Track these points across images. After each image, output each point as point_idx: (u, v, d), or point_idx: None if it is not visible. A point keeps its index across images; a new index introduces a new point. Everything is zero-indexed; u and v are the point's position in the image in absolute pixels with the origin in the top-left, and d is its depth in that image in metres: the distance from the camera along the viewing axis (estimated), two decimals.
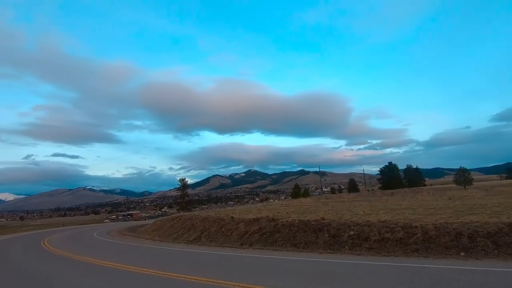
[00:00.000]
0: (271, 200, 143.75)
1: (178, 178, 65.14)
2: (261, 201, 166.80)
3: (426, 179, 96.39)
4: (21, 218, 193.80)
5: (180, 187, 64.61)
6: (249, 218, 15.31)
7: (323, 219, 12.26)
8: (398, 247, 9.08)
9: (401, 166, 79.11)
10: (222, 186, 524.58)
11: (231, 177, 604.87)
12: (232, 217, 16.56)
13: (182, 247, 14.22)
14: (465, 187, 48.64)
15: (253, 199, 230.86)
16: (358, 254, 9.12)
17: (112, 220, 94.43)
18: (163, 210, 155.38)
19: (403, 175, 77.37)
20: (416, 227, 9.51)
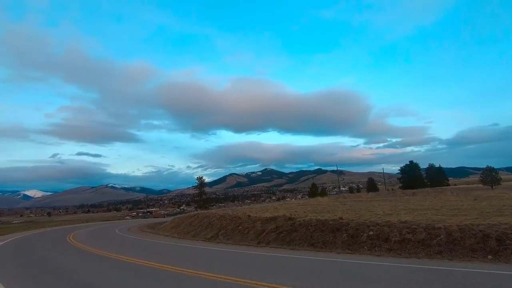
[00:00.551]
0: (288, 199, 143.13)
1: (196, 177, 66.14)
2: (278, 200, 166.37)
3: (449, 178, 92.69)
4: (49, 214, 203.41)
5: (197, 185, 65.52)
6: (266, 217, 15.32)
7: (341, 218, 12.08)
8: (420, 248, 8.80)
9: (423, 165, 76.62)
10: (239, 184, 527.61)
11: (247, 175, 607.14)
12: (249, 216, 16.63)
13: (200, 244, 14.44)
14: (492, 187, 46.44)
15: (270, 197, 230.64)
16: (378, 255, 8.92)
17: (133, 217, 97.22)
18: (181, 208, 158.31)
19: (425, 175, 74.82)
20: (440, 228, 9.18)
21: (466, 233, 8.62)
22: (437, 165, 78.60)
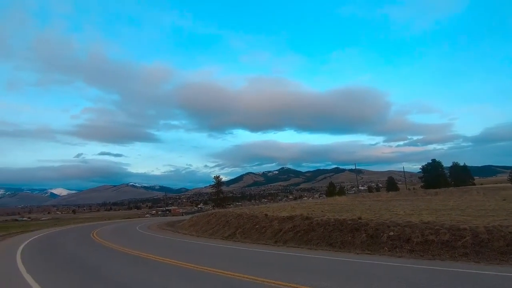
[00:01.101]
0: (305, 198, 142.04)
1: (213, 176, 67.01)
2: (295, 199, 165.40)
3: (475, 177, 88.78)
4: (73, 212, 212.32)
5: (214, 184, 66.35)
6: (283, 216, 15.27)
7: (360, 218, 11.84)
8: (444, 250, 8.47)
9: (446, 163, 73.60)
10: (256, 183, 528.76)
11: (264, 174, 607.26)
12: (266, 215, 16.63)
13: (217, 242, 14.59)
14: None
15: (287, 197, 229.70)
16: (399, 256, 8.66)
17: (152, 215, 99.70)
18: (199, 206, 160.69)
19: (448, 173, 71.96)
20: (465, 229, 8.80)
21: (495, 235, 8.21)
22: (461, 164, 75.45)
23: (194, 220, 25.75)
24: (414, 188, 72.09)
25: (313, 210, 17.14)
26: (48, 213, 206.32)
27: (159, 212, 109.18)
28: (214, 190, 68.08)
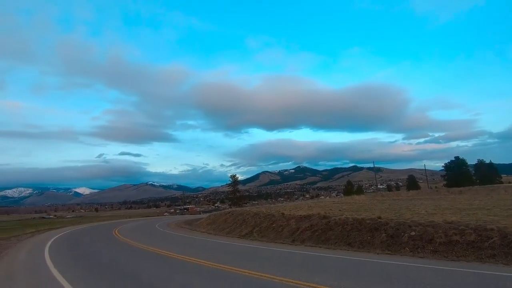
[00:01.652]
0: (322, 197, 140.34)
1: (229, 175, 67.53)
2: (312, 198, 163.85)
3: (502, 175, 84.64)
4: (96, 210, 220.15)
5: (231, 183, 66.80)
6: (300, 215, 15.16)
7: (379, 217, 11.57)
8: (470, 251, 8.12)
9: (471, 161, 70.48)
10: (272, 182, 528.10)
11: (280, 173, 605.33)
12: (283, 214, 16.58)
13: (235, 241, 14.69)
14: None
15: (303, 195, 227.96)
16: (421, 257, 8.39)
17: (171, 213, 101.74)
18: (216, 205, 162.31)
19: (473, 171, 68.95)
20: (492, 229, 8.41)
21: None
22: (487, 161, 72.12)
23: (212, 218, 26.05)
24: (436, 187, 69.69)
25: (330, 209, 16.92)
26: (73, 211, 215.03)
27: (177, 211, 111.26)
28: (230, 189, 68.60)
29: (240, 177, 75.01)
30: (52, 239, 18.04)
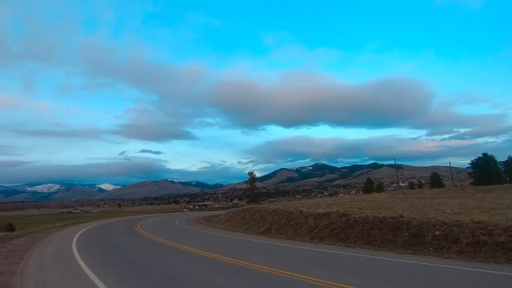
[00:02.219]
0: (341, 194, 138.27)
1: (247, 172, 67.77)
2: (330, 195, 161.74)
3: None
4: (119, 205, 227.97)
5: (248, 180, 67.12)
6: (319, 213, 15.03)
7: (401, 216, 11.26)
8: (500, 252, 7.74)
9: (500, 157, 66.90)
10: (289, 179, 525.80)
11: (298, 170, 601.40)
12: (301, 211, 16.49)
13: (253, 237, 14.79)
14: None
15: (321, 193, 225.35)
16: (447, 258, 8.09)
17: (190, 209, 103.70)
18: (234, 202, 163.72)
19: (503, 169, 65.44)
20: None
21: None
22: None
23: (230, 215, 26.33)
24: (462, 185, 66.83)
25: (350, 207, 16.64)
26: (97, 206, 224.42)
27: (196, 207, 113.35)
28: (248, 186, 68.91)
29: (258, 174, 75.26)
30: (79, 233, 18.89)
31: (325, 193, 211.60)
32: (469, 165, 68.00)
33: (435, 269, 6.89)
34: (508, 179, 60.56)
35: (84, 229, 21.95)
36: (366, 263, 7.87)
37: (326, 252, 9.77)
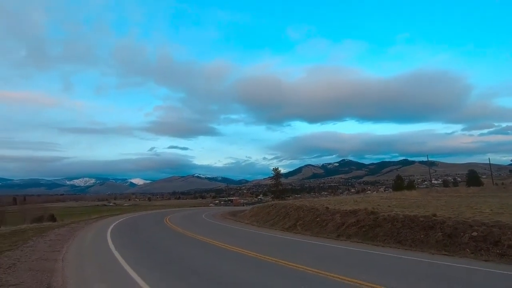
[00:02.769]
0: (369, 192, 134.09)
1: (272, 168, 67.81)
2: (357, 192, 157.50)
3: None
4: (149, 199, 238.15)
5: (273, 176, 67.19)
6: (345, 210, 14.70)
7: (434, 215, 10.72)
8: None
9: None
10: (315, 176, 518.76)
11: (323, 167, 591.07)
12: (327, 208, 16.23)
13: (278, 233, 14.80)
14: None
15: (348, 190, 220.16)
16: (486, 260, 7.59)
17: (216, 204, 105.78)
18: (259, 197, 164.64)
19: None
20: None
21: None
22: None
23: (255, 210, 26.52)
24: (503, 183, 62.25)
25: (378, 205, 16.11)
26: (129, 200, 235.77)
27: (222, 202, 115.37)
28: (273, 182, 69.03)
29: (283, 170, 75.08)
30: (113, 224, 19.96)
31: (352, 190, 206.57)
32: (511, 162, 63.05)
33: (473, 272, 6.50)
34: None
35: (118, 221, 23.15)
36: (396, 263, 7.60)
37: (353, 250, 9.56)
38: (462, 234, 9.05)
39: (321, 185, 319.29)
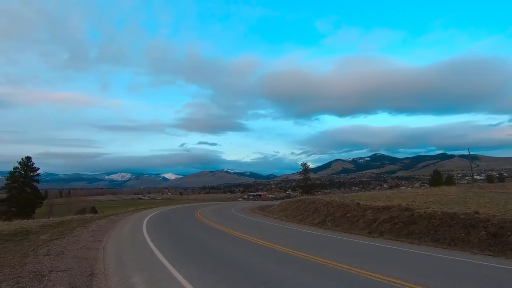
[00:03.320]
0: (403, 187, 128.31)
1: (300, 163, 67.29)
2: (390, 188, 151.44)
3: None
4: (180, 194, 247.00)
5: (302, 171, 66.58)
6: (378, 206, 14.21)
7: (476, 213, 10.02)
8: None
9: None
10: (345, 170, 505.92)
11: (354, 161, 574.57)
12: (358, 204, 15.79)
13: (307, 229, 14.67)
14: None
15: (380, 185, 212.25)
16: None
17: (245, 199, 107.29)
18: (287, 192, 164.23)
19: None
20: None
21: None
22: None
23: (284, 205, 26.50)
24: None
25: (413, 201, 15.36)
26: (162, 194, 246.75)
27: (250, 197, 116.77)
28: (301, 177, 68.51)
29: (311, 165, 74.20)
30: (148, 217, 20.99)
31: (385, 186, 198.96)
32: None
33: None
34: None
35: (152, 214, 24.29)
36: (433, 262, 7.22)
37: (386, 248, 9.23)
38: (509, 233, 8.37)
39: (352, 180, 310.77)
